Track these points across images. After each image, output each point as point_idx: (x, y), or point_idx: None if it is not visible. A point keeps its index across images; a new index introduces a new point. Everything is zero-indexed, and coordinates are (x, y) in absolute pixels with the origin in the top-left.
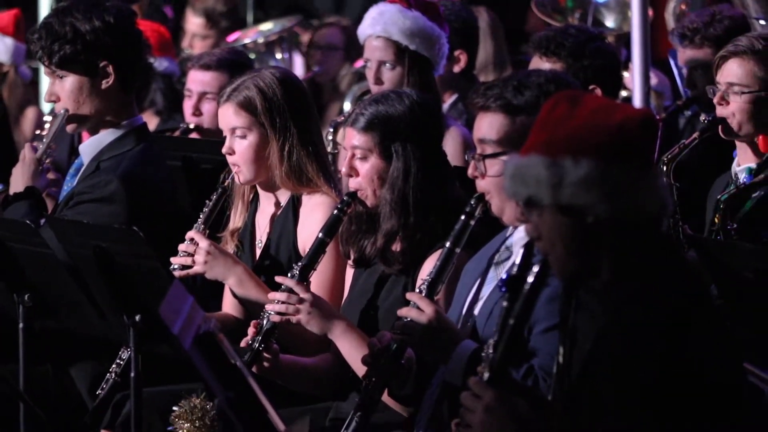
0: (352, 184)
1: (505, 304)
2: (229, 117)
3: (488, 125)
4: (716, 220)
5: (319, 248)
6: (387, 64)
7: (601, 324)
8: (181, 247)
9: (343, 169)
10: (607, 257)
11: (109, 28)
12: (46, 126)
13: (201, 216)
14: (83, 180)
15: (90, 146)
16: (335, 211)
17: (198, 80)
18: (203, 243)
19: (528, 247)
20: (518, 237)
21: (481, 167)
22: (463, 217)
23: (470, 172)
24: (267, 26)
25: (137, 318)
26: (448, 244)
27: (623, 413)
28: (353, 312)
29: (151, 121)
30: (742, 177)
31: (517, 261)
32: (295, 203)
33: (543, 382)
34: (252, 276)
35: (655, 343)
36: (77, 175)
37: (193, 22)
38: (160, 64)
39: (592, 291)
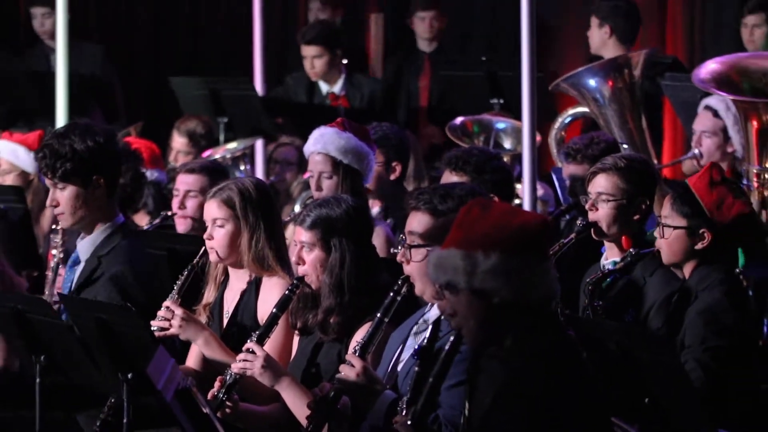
0: (300, 270)
1: (416, 369)
2: (213, 210)
3: (417, 222)
4: (586, 301)
5: (273, 320)
6: (325, 174)
7: (500, 384)
8: (160, 313)
9: (293, 258)
10: (509, 332)
11: (99, 148)
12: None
13: (175, 287)
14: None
15: (86, 245)
16: (287, 292)
17: (184, 181)
18: (178, 311)
19: (435, 325)
20: (434, 313)
21: (408, 254)
22: (391, 294)
23: (399, 257)
24: (233, 145)
25: (129, 375)
26: (378, 315)
27: None
28: (297, 370)
29: (144, 219)
30: (608, 266)
31: (427, 335)
32: (257, 283)
33: (446, 428)
34: (216, 339)
35: (543, 401)
36: (74, 266)
37: (178, 141)
38: (152, 174)
39: (494, 357)
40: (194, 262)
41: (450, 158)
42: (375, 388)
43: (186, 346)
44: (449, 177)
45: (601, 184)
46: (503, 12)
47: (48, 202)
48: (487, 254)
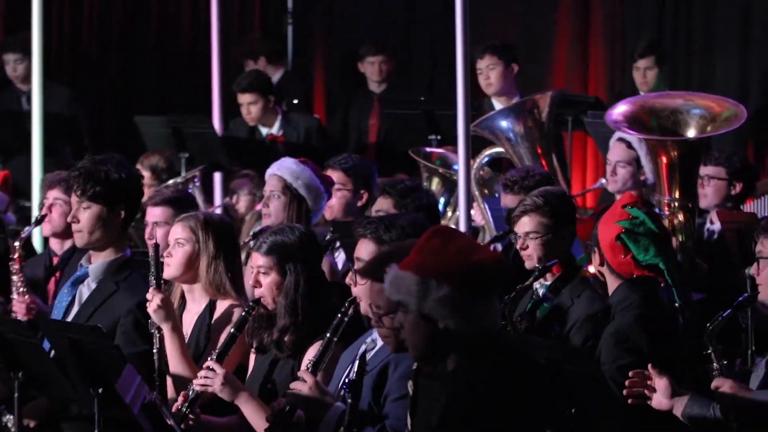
0: (257, 293)
1: (349, 401)
2: (177, 231)
3: (363, 249)
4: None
5: (231, 340)
6: (275, 193)
7: (444, 405)
8: (201, 373)
9: (250, 281)
10: (451, 353)
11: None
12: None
13: (216, 349)
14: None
15: (99, 268)
16: (243, 313)
17: (151, 213)
18: (220, 371)
19: (361, 359)
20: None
21: (354, 278)
22: (339, 315)
23: (347, 280)
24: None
25: (100, 390)
26: (328, 335)
27: None
28: (255, 384)
29: None
30: (541, 292)
31: (355, 369)
32: (211, 306)
33: None
34: (253, 396)
35: (486, 422)
36: (76, 284)
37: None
38: None
39: (435, 377)
40: (233, 331)
41: (381, 185)
42: (326, 401)
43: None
44: (381, 201)
45: (526, 224)
46: (441, 55)
47: (69, 218)
48: (440, 284)
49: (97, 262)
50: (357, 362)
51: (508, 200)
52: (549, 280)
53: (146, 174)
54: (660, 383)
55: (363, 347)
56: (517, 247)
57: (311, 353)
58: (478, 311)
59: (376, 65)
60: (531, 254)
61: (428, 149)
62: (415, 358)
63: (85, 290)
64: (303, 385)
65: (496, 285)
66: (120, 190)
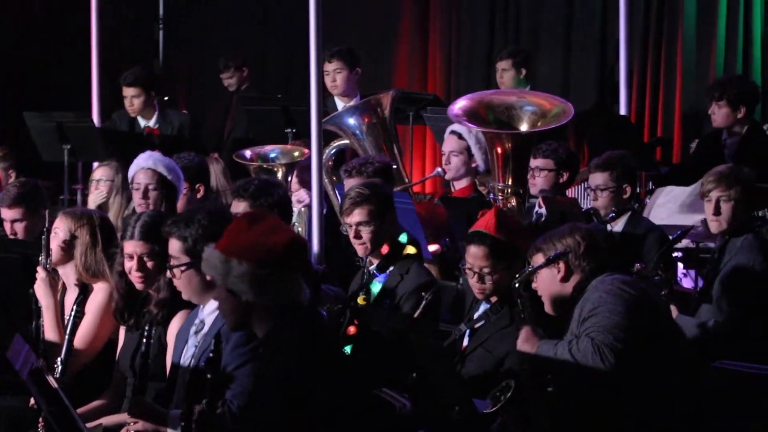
0: (136, 276)
1: (209, 376)
2: (56, 222)
3: (172, 246)
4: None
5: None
6: (151, 186)
7: (256, 371)
8: None
9: (129, 265)
10: (258, 323)
11: None
12: None
13: None
14: None
15: None
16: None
17: (5, 214)
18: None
19: (217, 338)
20: (207, 312)
21: (172, 272)
22: None
23: (168, 273)
24: None
25: None
26: None
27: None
28: (127, 355)
29: None
30: (372, 270)
31: (212, 348)
32: (86, 288)
33: (232, 404)
34: None
35: (294, 387)
36: None
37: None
38: None
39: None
40: None
41: (234, 188)
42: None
43: None
44: (237, 204)
45: (357, 214)
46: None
47: None
48: (240, 262)
49: None
50: (213, 342)
51: (349, 184)
52: (378, 259)
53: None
54: (522, 332)
55: (194, 327)
56: (351, 237)
57: (175, 322)
58: (276, 286)
59: (231, 78)
60: (365, 242)
61: (247, 152)
62: (230, 328)
63: None
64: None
65: (292, 261)
66: None
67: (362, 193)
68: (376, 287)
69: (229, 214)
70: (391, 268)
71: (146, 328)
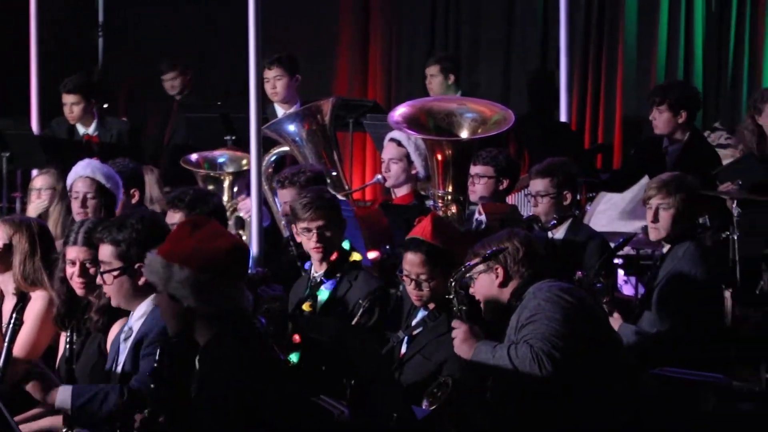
0: (78, 283)
1: (152, 386)
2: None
3: (103, 252)
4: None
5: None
6: (90, 195)
7: (198, 374)
8: None
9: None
10: (200, 330)
11: None
12: None
13: None
14: None
15: None
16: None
17: None
18: None
19: (161, 352)
20: (134, 318)
21: (103, 279)
22: None
23: (97, 280)
24: None
25: None
26: None
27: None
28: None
29: None
30: (318, 277)
31: (157, 358)
32: (24, 296)
33: (135, 382)
34: None
35: (235, 393)
36: None
37: None
38: None
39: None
40: None
41: (169, 199)
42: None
43: None
44: (172, 215)
45: (306, 220)
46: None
47: None
48: (182, 268)
49: None
50: (158, 352)
51: (282, 195)
52: (321, 268)
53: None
54: (458, 332)
55: (123, 334)
56: (312, 242)
57: (116, 328)
58: (218, 292)
59: (168, 82)
60: (319, 246)
61: (194, 156)
62: (171, 333)
63: None
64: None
65: (234, 268)
66: None
67: (314, 202)
68: (323, 294)
69: (162, 220)
70: (339, 275)
71: (68, 334)
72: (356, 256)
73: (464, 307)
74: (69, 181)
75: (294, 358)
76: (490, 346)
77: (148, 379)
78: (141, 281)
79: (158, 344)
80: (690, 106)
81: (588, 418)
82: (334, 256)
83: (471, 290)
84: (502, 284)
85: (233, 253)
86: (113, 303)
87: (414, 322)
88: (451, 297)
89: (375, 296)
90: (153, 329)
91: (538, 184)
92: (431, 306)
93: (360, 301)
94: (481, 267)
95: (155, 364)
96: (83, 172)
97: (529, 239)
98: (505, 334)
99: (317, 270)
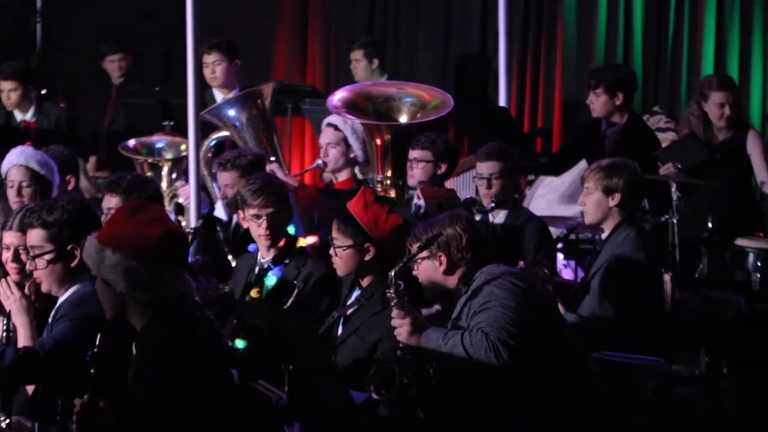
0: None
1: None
2: None
3: (32, 236)
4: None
5: None
6: (24, 183)
7: (134, 361)
8: None
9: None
10: (135, 316)
11: None
12: None
13: None
14: None
15: None
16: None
17: None
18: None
19: (101, 338)
20: (60, 301)
21: (34, 264)
22: None
23: (28, 267)
24: None
25: None
26: None
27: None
28: None
29: None
30: (266, 264)
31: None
32: None
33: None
34: None
35: (170, 380)
36: None
37: None
38: None
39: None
40: None
41: (107, 183)
42: None
43: None
44: (109, 199)
45: (256, 207)
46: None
47: None
48: (114, 253)
49: None
50: (99, 336)
51: (223, 177)
52: (269, 254)
53: None
54: (404, 326)
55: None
56: (262, 229)
57: None
58: (151, 279)
59: (116, 63)
60: (269, 235)
61: (131, 142)
62: (108, 318)
63: None
64: None
65: (167, 255)
66: None
67: (263, 189)
68: (271, 280)
69: (90, 205)
70: (287, 261)
71: (5, 321)
72: (302, 242)
73: (406, 299)
74: (3, 169)
75: (240, 344)
76: (440, 333)
77: (90, 362)
78: (74, 263)
79: (70, 316)
80: (626, 88)
81: (537, 401)
82: (282, 243)
83: (414, 272)
84: (447, 272)
85: (166, 240)
86: (43, 288)
87: (349, 302)
88: (391, 291)
89: (321, 281)
90: (69, 302)
91: (492, 167)
92: (366, 282)
93: (295, 282)
94: (424, 253)
95: (95, 349)
96: (16, 160)
97: (471, 223)
98: (448, 316)
99: (264, 256)
